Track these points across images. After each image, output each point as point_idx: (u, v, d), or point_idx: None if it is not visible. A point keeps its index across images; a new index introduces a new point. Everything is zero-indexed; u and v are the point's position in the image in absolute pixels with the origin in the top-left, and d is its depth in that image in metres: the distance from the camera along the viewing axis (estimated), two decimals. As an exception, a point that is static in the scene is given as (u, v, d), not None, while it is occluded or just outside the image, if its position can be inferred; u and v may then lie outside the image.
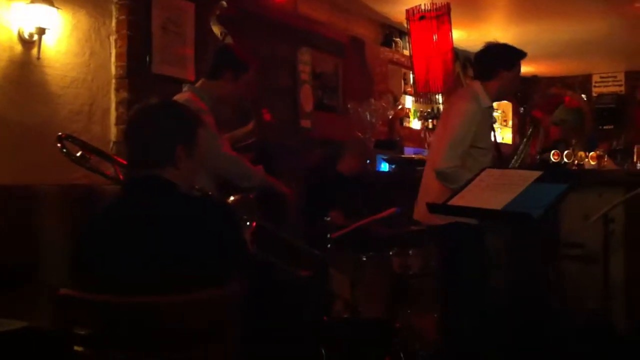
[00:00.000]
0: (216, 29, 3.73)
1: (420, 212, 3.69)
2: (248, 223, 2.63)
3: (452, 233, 3.44)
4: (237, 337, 1.89)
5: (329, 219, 3.83)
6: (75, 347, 1.82)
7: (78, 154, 2.66)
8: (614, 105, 10.20)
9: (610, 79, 10.40)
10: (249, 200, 3.04)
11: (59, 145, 2.62)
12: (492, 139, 3.76)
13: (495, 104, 3.95)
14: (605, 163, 6.50)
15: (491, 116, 3.77)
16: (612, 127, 10.03)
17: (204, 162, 2.70)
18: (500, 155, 3.83)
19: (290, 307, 3.27)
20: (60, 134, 2.66)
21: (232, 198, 3.01)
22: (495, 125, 3.94)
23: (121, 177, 2.85)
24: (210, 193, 2.54)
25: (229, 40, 3.68)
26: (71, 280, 1.97)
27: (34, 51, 3.81)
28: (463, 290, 3.46)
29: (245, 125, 3.72)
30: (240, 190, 3.14)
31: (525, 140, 3.87)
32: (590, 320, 4.35)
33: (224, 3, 3.72)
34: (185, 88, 3.37)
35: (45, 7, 3.77)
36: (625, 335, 4.39)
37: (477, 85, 3.69)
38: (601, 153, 6.60)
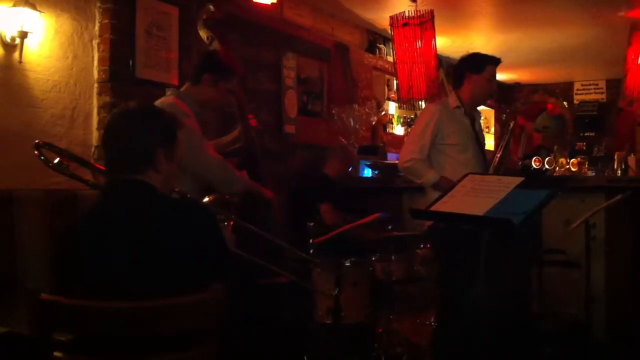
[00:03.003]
0: (203, 34, 3.72)
1: None
2: (225, 223, 2.62)
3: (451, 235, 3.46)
4: (219, 342, 1.89)
5: (312, 223, 3.83)
6: (55, 353, 1.81)
7: (55, 161, 2.64)
8: (595, 112, 10.31)
9: (591, 87, 10.51)
10: (225, 200, 3.03)
11: (36, 152, 2.61)
12: (474, 137, 3.81)
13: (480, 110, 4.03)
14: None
15: (466, 116, 3.83)
16: (593, 134, 10.14)
17: (187, 165, 2.70)
18: (484, 154, 3.88)
19: (272, 311, 3.26)
20: (37, 141, 2.65)
21: (207, 198, 3.00)
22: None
23: (101, 182, 2.83)
24: (188, 195, 2.54)
25: (215, 44, 3.67)
26: (52, 285, 1.96)
27: (16, 55, 3.78)
28: (461, 294, 3.46)
29: (231, 132, 3.72)
30: (217, 190, 3.13)
31: (502, 144, 3.90)
32: (571, 325, 4.38)
33: (212, 7, 3.70)
34: (168, 92, 3.36)
35: (27, 11, 3.74)
36: (604, 339, 4.43)
37: (450, 93, 3.96)
38: (582, 160, 6.68)
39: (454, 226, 3.23)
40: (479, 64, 3.82)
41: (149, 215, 1.95)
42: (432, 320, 4.00)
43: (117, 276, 1.87)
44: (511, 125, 4.00)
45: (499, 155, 3.82)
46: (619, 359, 4.27)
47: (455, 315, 3.48)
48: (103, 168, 2.55)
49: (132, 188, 1.98)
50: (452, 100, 3.86)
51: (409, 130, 7.87)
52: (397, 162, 5.47)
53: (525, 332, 4.09)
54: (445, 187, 3.08)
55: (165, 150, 2.02)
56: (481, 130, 3.99)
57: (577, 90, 10.64)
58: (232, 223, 2.74)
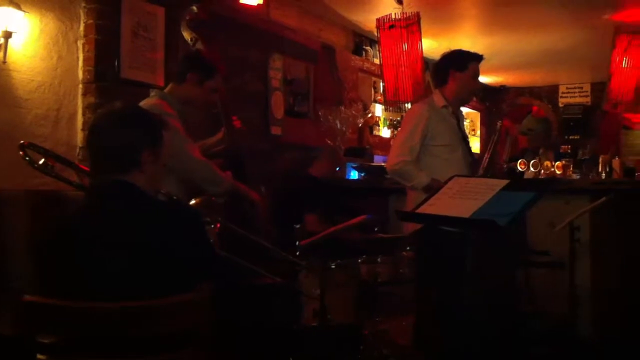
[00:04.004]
0: (186, 34, 3.71)
1: None
2: (212, 225, 2.62)
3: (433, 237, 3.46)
4: (205, 344, 1.88)
5: (298, 226, 3.81)
6: (39, 356, 1.79)
7: (40, 162, 2.62)
8: (580, 115, 10.38)
9: (576, 90, 10.58)
10: (211, 202, 3.02)
11: (21, 153, 2.60)
12: (461, 137, 3.80)
13: (464, 112, 4.03)
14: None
15: (453, 115, 3.81)
16: (578, 137, 10.20)
17: (172, 166, 2.70)
18: (472, 154, 3.86)
19: (258, 314, 3.25)
20: (22, 142, 2.63)
21: (194, 201, 2.99)
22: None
23: (85, 183, 2.82)
24: (175, 197, 2.53)
25: (199, 45, 3.66)
26: (36, 286, 1.94)
27: (0, 55, 3.75)
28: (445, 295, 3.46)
29: (215, 133, 3.71)
30: (203, 192, 3.12)
31: (490, 144, 3.89)
32: (557, 326, 4.40)
33: (195, 8, 3.70)
34: (152, 93, 3.35)
35: (11, 11, 3.72)
36: (590, 341, 4.45)
37: (435, 92, 3.89)
38: (567, 162, 6.72)
39: (440, 228, 3.23)
40: (463, 62, 3.78)
41: (134, 216, 1.94)
42: (418, 322, 4.00)
43: (102, 277, 1.86)
44: (498, 125, 3.99)
45: (488, 156, 3.81)
46: (605, 357, 4.29)
47: (443, 317, 3.49)
48: (87, 169, 2.54)
49: (117, 189, 1.97)
50: (438, 99, 3.81)
51: (396, 132, 7.90)
52: (383, 164, 5.49)
53: (512, 331, 4.11)
54: (436, 189, 3.07)
55: (151, 150, 2.01)
56: (465, 132, 3.98)
57: (562, 93, 10.71)
58: (219, 225, 2.73)
